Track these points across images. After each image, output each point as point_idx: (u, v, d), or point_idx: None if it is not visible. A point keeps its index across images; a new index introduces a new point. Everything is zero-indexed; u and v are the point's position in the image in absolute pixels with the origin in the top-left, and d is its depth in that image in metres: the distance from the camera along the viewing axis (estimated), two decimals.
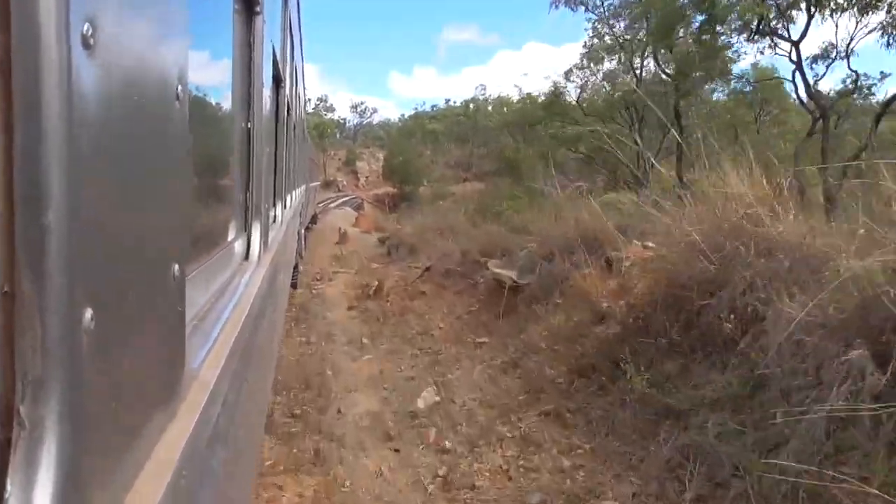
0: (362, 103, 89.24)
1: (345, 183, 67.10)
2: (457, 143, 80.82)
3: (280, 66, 3.54)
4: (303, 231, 12.21)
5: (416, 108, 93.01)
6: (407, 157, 65.05)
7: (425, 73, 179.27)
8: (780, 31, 18.50)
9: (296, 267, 9.31)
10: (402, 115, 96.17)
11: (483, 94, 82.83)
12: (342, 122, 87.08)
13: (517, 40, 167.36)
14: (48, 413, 0.51)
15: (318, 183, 35.07)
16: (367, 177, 71.75)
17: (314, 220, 21.63)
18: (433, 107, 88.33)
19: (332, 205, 39.25)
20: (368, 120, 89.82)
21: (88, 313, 0.57)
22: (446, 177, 67.34)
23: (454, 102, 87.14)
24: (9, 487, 0.49)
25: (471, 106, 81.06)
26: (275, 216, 3.71)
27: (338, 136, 77.54)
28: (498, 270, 8.64)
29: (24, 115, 0.48)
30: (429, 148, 76.77)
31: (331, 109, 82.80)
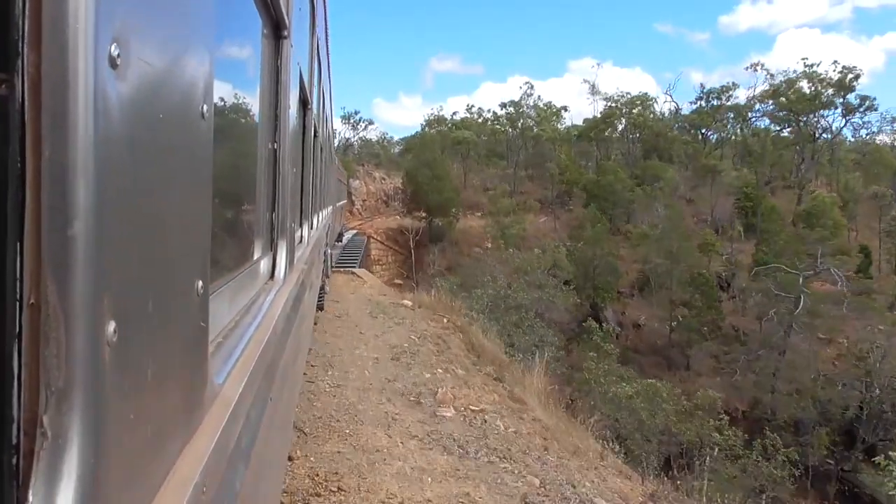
0: (356, 113, 70.02)
1: None
2: (486, 158, 67.13)
3: (307, 88, 3.61)
4: (329, 251, 12.33)
5: (433, 113, 73.75)
6: (438, 172, 47.67)
7: (411, 101, 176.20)
8: None
9: (322, 288, 9.35)
10: (391, 137, 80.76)
11: (531, 94, 66.17)
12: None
13: (501, 72, 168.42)
14: (71, 423, 0.52)
15: (346, 201, 32.70)
16: (363, 200, 55.94)
17: (339, 237, 21.60)
18: (453, 114, 72.03)
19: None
20: (363, 134, 73.14)
21: (112, 326, 0.58)
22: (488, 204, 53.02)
23: (478, 109, 71.58)
24: (31, 498, 0.50)
25: (512, 110, 65.45)
26: (301, 236, 3.75)
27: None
28: None
29: (53, 128, 0.50)
30: (455, 163, 62.24)
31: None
